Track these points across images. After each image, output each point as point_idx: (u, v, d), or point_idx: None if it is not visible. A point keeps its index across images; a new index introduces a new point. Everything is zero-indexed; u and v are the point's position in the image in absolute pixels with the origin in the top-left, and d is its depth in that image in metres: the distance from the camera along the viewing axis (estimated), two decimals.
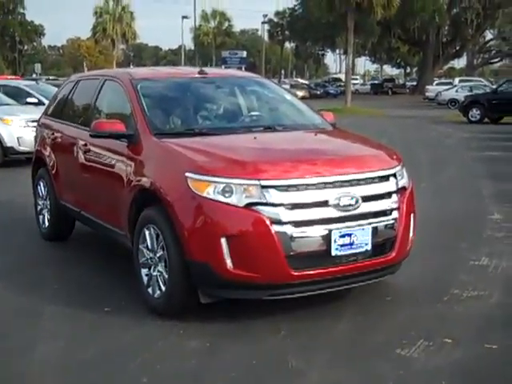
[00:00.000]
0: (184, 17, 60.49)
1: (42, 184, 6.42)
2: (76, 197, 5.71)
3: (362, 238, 4.03)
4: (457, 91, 33.44)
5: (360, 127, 13.24)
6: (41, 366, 3.60)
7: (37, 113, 7.25)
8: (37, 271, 5.37)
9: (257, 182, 3.85)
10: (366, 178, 4.15)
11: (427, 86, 43.97)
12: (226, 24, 76.41)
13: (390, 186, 4.27)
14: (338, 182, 4.02)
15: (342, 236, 3.96)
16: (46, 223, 6.32)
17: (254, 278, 3.86)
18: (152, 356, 3.69)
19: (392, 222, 4.23)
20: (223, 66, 45.82)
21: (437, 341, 3.84)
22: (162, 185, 4.19)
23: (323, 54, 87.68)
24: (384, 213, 4.20)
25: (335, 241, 3.93)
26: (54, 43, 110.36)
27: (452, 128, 20.46)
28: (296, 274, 3.88)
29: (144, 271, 4.39)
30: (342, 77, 62.71)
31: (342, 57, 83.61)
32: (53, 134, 6.24)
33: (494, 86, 28.49)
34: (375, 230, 4.10)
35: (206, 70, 5.61)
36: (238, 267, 3.84)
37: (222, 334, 3.97)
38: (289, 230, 3.84)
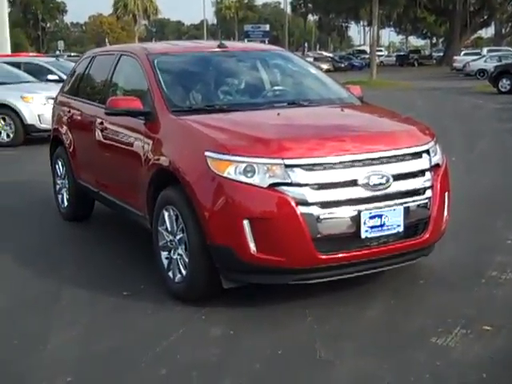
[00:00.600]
0: None
1: (60, 163, 6.32)
2: (93, 176, 5.59)
3: (394, 218, 3.82)
4: (485, 61, 32.91)
5: (387, 101, 12.88)
6: (54, 354, 3.45)
7: (57, 90, 7.17)
8: (56, 252, 5.28)
9: (280, 161, 3.64)
10: (398, 155, 3.92)
11: (455, 57, 43.21)
12: None
13: (422, 163, 4.04)
14: (367, 159, 3.80)
15: (372, 217, 3.75)
16: (65, 203, 6.24)
17: (279, 262, 3.67)
18: (172, 344, 3.51)
19: (425, 201, 4.00)
20: (246, 40, 45.44)
21: (475, 328, 3.60)
22: (180, 164, 4.00)
23: (347, 27, 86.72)
24: (417, 192, 3.97)
25: (365, 222, 3.73)
26: (77, 20, 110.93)
27: (482, 99, 20.03)
28: (323, 257, 3.69)
29: (164, 254, 4.23)
30: (367, 49, 61.93)
31: (366, 29, 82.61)
32: (69, 111, 6.11)
33: None
34: (407, 211, 3.88)
35: (226, 43, 5.40)
36: (262, 251, 3.66)
37: (246, 321, 3.79)
38: (315, 211, 3.64)
